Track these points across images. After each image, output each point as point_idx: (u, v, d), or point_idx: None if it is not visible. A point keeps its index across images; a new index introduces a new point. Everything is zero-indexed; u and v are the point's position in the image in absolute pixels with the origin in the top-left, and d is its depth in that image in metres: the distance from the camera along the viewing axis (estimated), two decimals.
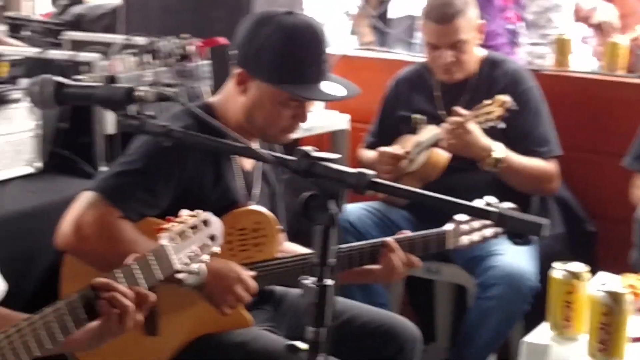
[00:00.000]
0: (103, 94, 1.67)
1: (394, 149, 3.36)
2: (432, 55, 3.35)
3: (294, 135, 2.45)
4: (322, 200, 1.54)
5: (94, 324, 1.73)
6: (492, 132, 3.15)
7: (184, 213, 1.91)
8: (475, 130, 3.12)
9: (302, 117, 2.40)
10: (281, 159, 1.59)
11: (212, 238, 1.93)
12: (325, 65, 2.35)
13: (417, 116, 3.41)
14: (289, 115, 2.37)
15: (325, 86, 2.35)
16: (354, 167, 3.75)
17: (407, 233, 2.50)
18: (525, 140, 3.27)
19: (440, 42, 3.29)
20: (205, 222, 1.91)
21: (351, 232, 3.19)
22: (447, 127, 3.16)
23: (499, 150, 3.15)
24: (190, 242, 1.87)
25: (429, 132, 3.30)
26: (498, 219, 1.46)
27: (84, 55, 2.96)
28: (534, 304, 3.09)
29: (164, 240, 1.82)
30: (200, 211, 1.92)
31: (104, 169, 2.89)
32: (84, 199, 2.23)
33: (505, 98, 3.10)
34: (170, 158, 2.24)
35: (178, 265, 1.83)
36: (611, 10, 4.35)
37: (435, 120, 3.34)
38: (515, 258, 3.14)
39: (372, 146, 3.52)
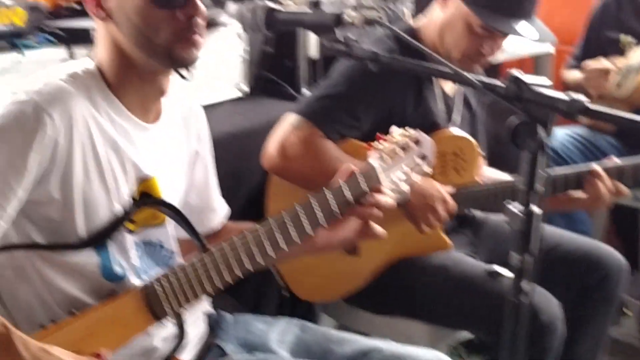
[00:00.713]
0: (312, 19, 1.68)
1: (602, 63, 3.21)
2: None
3: (477, 66, 2.39)
4: (531, 126, 1.49)
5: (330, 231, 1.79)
6: None
7: (395, 131, 1.90)
8: None
9: (490, 50, 2.34)
10: (489, 84, 1.55)
11: (423, 157, 1.91)
12: (527, 4, 2.28)
13: (626, 37, 3.23)
14: (477, 44, 2.32)
15: (521, 25, 2.28)
16: (559, 90, 3.66)
17: (614, 160, 2.40)
18: None
19: None
20: (417, 142, 1.89)
21: (554, 159, 3.11)
22: None
23: None
24: (400, 162, 1.86)
25: (637, 55, 3.12)
26: None
27: None
28: None
29: (373, 160, 1.82)
30: (411, 130, 1.90)
31: (306, 91, 2.95)
32: (289, 121, 2.29)
33: None
34: (373, 82, 2.26)
35: (387, 185, 1.83)
36: None
37: None
38: None
39: (574, 69, 3.39)
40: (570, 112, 1.46)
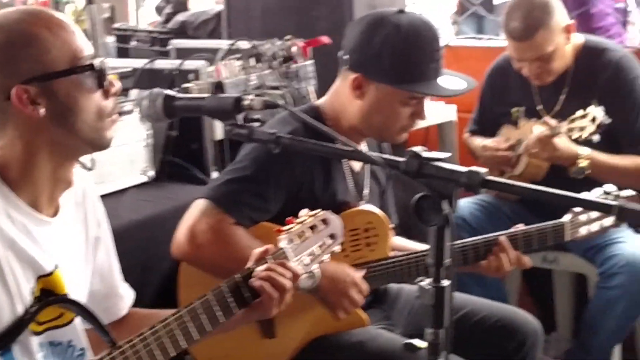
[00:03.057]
0: (211, 105, 1.68)
1: (497, 142, 3.29)
2: (517, 65, 3.18)
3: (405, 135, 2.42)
4: (435, 201, 1.51)
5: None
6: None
7: (303, 213, 1.91)
8: (562, 141, 2.99)
9: (421, 115, 2.37)
10: (391, 161, 1.57)
11: (332, 237, 1.92)
12: (441, 61, 2.34)
13: (516, 110, 3.30)
14: (408, 114, 2.35)
15: (443, 81, 2.33)
16: (464, 155, 3.71)
17: (521, 226, 2.44)
18: (625, 136, 3.12)
19: (522, 58, 3.13)
20: (325, 221, 1.90)
21: (465, 228, 3.14)
22: (533, 140, 3.03)
23: (584, 158, 3.01)
24: (309, 243, 1.87)
25: (527, 130, 3.17)
26: (618, 212, 1.40)
27: (190, 63, 3.00)
28: None
29: (283, 242, 1.82)
30: (319, 210, 1.92)
31: (215, 174, 2.93)
32: (197, 207, 2.26)
33: (597, 113, 2.90)
34: (279, 163, 2.26)
35: (299, 267, 1.83)
36: None
37: (535, 114, 3.22)
38: (638, 245, 3.04)
39: (475, 133, 3.46)
40: (471, 185, 1.49)
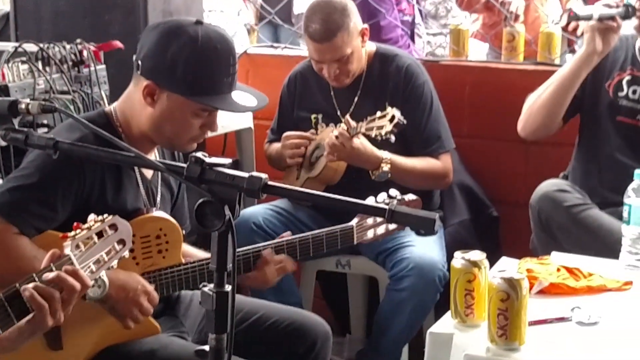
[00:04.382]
0: None
1: (299, 133, 3.37)
2: (317, 67, 3.29)
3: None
4: (217, 206, 1.53)
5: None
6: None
7: (91, 218, 1.85)
8: (362, 143, 3.11)
9: (213, 126, 2.37)
10: (173, 167, 1.57)
11: (121, 242, 1.88)
12: (235, 75, 2.34)
13: (315, 117, 3.39)
14: (199, 125, 2.34)
15: (236, 95, 2.34)
16: (261, 161, 3.73)
17: (286, 235, 2.51)
18: (416, 138, 3.28)
19: (323, 59, 3.23)
20: (113, 227, 1.86)
21: (258, 234, 3.17)
22: (330, 142, 3.14)
23: (386, 162, 3.15)
24: (96, 249, 1.82)
25: (327, 134, 3.27)
26: (391, 216, 1.47)
27: None
28: (444, 292, 3.13)
29: (68, 248, 1.77)
30: (107, 215, 1.87)
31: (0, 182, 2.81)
32: None
33: (395, 112, 3.05)
34: (66, 170, 2.19)
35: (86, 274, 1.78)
36: None
37: (334, 119, 3.33)
38: (425, 248, 3.17)
39: (274, 142, 3.51)
40: (251, 190, 1.51)
